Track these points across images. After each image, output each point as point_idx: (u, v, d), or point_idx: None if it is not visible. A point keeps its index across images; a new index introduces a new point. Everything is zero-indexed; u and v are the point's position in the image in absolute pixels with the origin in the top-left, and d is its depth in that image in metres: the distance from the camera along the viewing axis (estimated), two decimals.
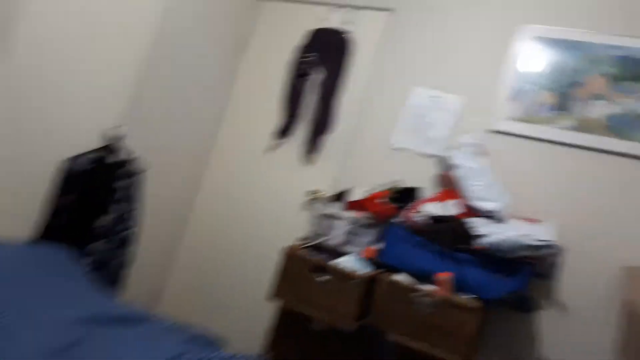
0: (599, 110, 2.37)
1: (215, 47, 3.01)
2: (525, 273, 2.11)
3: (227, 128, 3.17)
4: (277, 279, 2.34)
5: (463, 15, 2.71)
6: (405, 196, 2.48)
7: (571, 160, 2.37)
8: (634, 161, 2.26)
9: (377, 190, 2.55)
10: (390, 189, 2.55)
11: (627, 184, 2.26)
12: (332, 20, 3.00)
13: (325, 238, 2.49)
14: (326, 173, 2.82)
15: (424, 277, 2.23)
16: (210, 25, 2.93)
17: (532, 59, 2.53)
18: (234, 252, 2.98)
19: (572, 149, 2.38)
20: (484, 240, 2.17)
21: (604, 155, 2.31)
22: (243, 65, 3.20)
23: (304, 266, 2.29)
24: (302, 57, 3.02)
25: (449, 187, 2.47)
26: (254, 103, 3.13)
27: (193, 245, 3.10)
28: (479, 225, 2.24)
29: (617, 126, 2.32)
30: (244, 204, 3.01)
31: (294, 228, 2.74)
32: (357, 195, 2.64)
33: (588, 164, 2.34)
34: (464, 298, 2.09)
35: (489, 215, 2.28)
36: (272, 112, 3.03)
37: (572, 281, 2.25)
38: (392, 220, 2.41)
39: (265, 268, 2.61)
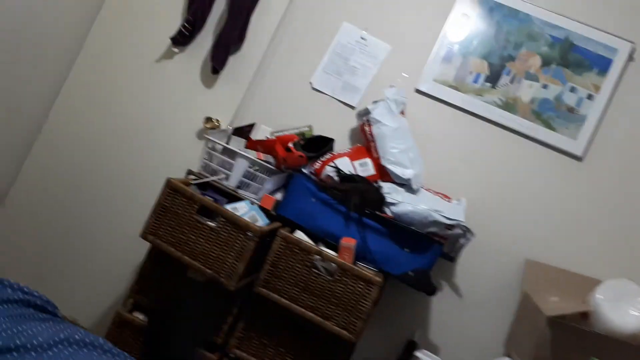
0: (528, 91, 2.28)
1: None
2: (433, 252, 1.99)
3: (104, 23, 2.51)
4: (154, 215, 1.98)
5: None
6: (315, 145, 2.20)
7: (491, 139, 2.27)
8: (553, 153, 2.22)
9: (285, 133, 2.24)
10: (300, 134, 2.25)
11: (544, 175, 2.22)
12: None
13: (219, 177, 2.13)
14: (228, 100, 2.40)
15: (325, 238, 2.03)
16: None
17: (471, 21, 2.34)
18: (103, 178, 2.47)
19: (494, 127, 2.27)
20: (394, 209, 2.01)
21: (525, 141, 2.24)
22: None
23: (191, 206, 1.95)
24: None
25: (364, 143, 2.24)
26: None
27: (47, 162, 2.50)
28: (391, 192, 2.06)
29: (542, 112, 2.25)
30: (121, 121, 2.46)
31: (184, 159, 2.32)
32: (260, 133, 2.30)
33: (508, 147, 2.25)
34: (367, 270, 1.93)
35: (403, 182, 2.11)
36: (169, 12, 2.46)
37: (474, 266, 2.20)
38: (299, 171, 2.13)
39: (146, 202, 2.11)
